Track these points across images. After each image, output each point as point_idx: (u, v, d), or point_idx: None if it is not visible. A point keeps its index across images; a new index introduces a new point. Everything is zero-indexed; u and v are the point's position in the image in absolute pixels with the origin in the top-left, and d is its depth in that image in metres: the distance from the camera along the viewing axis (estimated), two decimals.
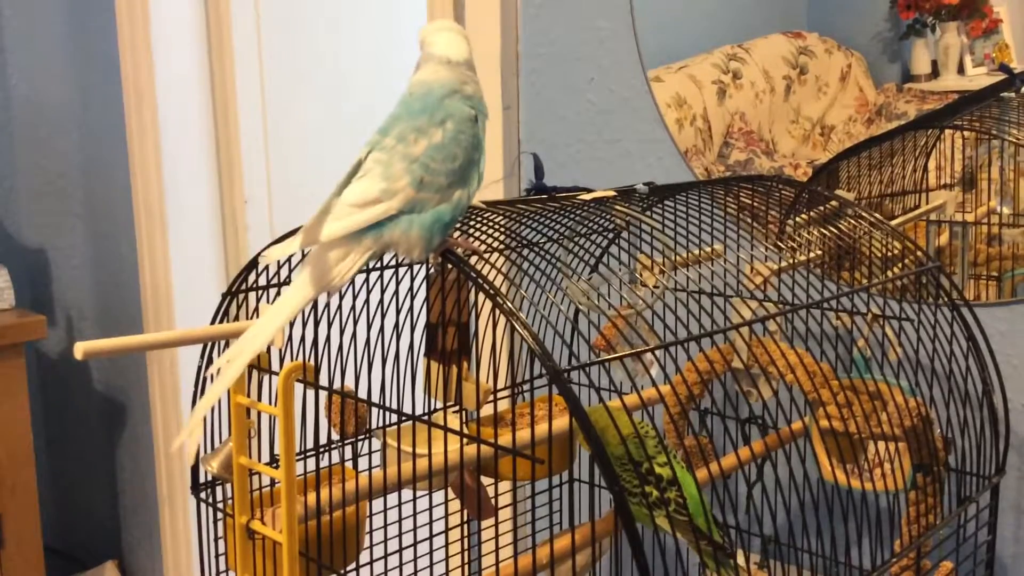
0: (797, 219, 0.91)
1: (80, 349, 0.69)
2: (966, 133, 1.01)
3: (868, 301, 0.92)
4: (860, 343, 0.90)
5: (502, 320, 0.97)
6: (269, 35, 2.03)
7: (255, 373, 0.81)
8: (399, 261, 0.81)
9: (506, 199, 0.93)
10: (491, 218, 0.81)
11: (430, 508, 0.91)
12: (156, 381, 2.06)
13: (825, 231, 0.90)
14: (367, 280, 0.80)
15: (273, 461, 0.85)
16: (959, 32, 1.01)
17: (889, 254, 0.91)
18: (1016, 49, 0.99)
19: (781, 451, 0.91)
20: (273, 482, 0.87)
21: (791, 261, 0.86)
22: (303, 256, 0.75)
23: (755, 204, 0.94)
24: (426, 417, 0.90)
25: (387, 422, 0.93)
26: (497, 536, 1.04)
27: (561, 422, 0.92)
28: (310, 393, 0.82)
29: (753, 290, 0.85)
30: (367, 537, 0.94)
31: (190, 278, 2.04)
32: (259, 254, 0.80)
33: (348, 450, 0.91)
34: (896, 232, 0.92)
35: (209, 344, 0.84)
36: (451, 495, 0.99)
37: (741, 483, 1.06)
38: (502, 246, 0.83)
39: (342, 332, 0.82)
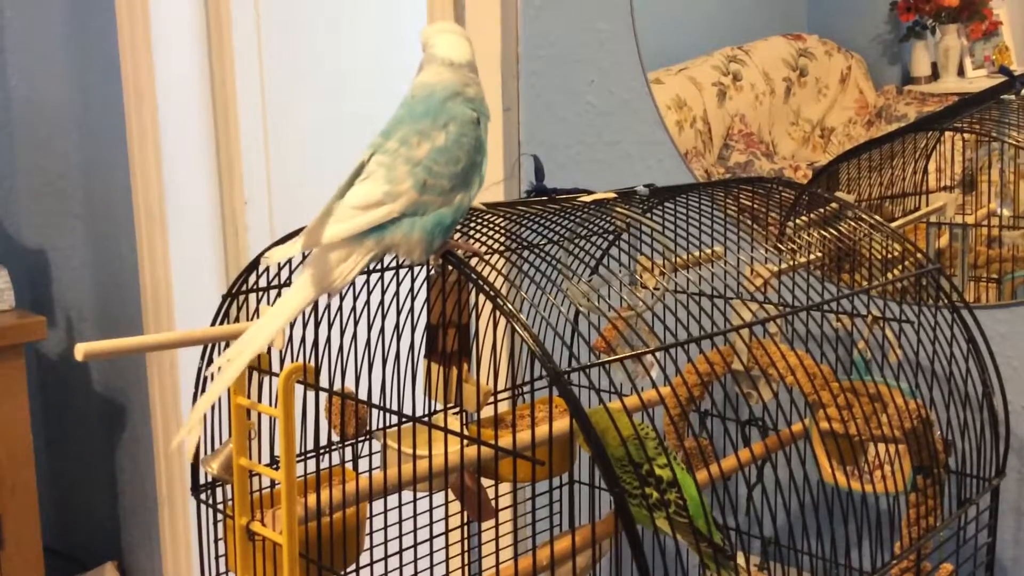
0: (797, 221, 0.91)
1: (80, 350, 0.69)
2: (966, 135, 1.01)
3: (868, 303, 0.92)
4: (860, 345, 0.90)
5: (502, 321, 0.97)
6: (269, 35, 2.03)
7: (255, 374, 0.81)
8: (399, 263, 0.81)
9: (506, 201, 0.93)
10: (491, 220, 0.81)
11: (430, 509, 0.91)
12: (156, 382, 2.06)
13: (825, 233, 0.90)
14: (367, 281, 0.80)
15: (273, 462, 0.85)
16: (959, 34, 1.01)
17: (889, 256, 0.91)
18: (1016, 51, 0.99)
19: (781, 453, 0.91)
20: (273, 483, 0.87)
21: (791, 263, 0.86)
22: (304, 258, 0.75)
23: (755, 206, 0.94)
24: (426, 418, 0.90)
25: (387, 423, 0.93)
26: (497, 538, 1.04)
27: (561, 424, 0.92)
28: (310, 394, 0.82)
29: (753, 292, 0.85)
30: (367, 538, 0.94)
31: (190, 279, 2.04)
32: (260, 255, 0.80)
33: (348, 451, 0.91)
34: (896, 234, 0.92)
35: (209, 345, 0.84)
36: (451, 496, 0.99)
37: (741, 485, 1.06)
38: (502, 248, 0.83)
39: (342, 333, 0.82)
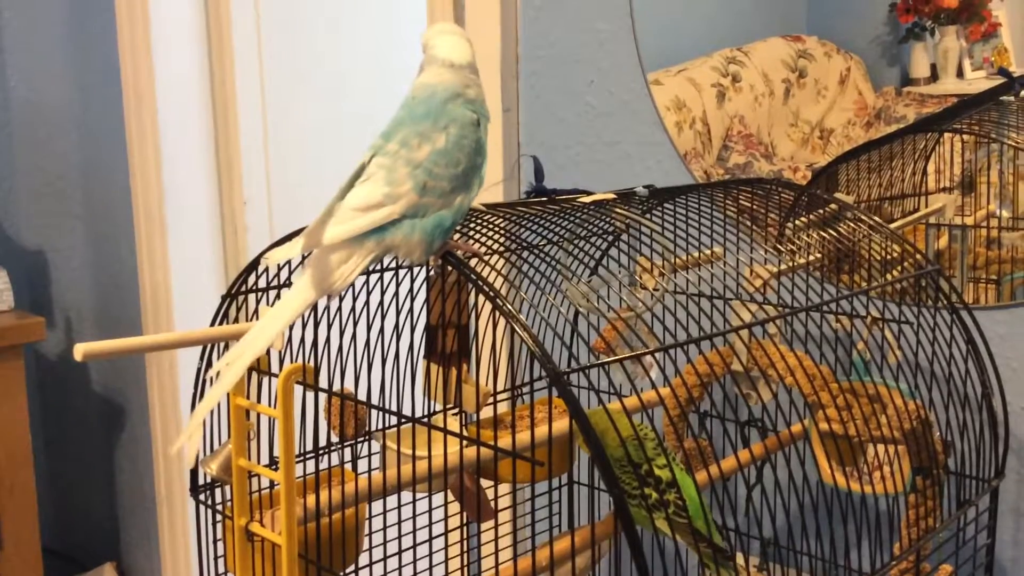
0: (796, 222, 0.91)
1: (80, 351, 0.69)
2: (965, 137, 1.01)
3: (867, 304, 0.92)
4: (860, 346, 0.90)
5: (502, 322, 0.97)
6: (269, 36, 2.03)
7: (255, 375, 0.81)
8: (399, 263, 0.81)
9: (506, 202, 0.93)
10: (491, 220, 0.81)
11: (429, 510, 0.91)
12: (155, 383, 2.06)
13: (824, 234, 0.90)
14: (367, 282, 0.80)
15: (272, 463, 0.85)
16: (958, 36, 1.01)
17: (888, 257, 0.91)
18: (1015, 53, 0.99)
19: (781, 454, 0.91)
20: (272, 484, 0.87)
21: (790, 264, 0.86)
22: (303, 259, 0.75)
23: (754, 207, 0.94)
24: (426, 419, 0.90)
25: (387, 424, 0.93)
26: (497, 538, 1.04)
27: (561, 424, 0.92)
28: (309, 395, 0.82)
29: (753, 293, 0.85)
30: (366, 539, 0.94)
31: (189, 279, 2.04)
32: (260, 256, 0.80)
33: (348, 452, 0.91)
34: (895, 235, 0.92)
35: (208, 346, 0.84)
36: (451, 497, 0.99)
37: (740, 485, 1.06)
38: (502, 248, 0.83)
39: (342, 334, 0.82)
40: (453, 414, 0.94)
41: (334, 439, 0.91)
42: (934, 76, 1.03)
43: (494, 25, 1.30)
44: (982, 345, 0.91)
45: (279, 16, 2.04)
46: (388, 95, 0.78)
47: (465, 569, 1.07)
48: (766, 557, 0.86)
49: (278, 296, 0.83)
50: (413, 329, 0.82)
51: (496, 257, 0.81)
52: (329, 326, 0.81)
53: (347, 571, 0.89)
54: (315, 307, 0.79)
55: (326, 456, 0.90)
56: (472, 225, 0.80)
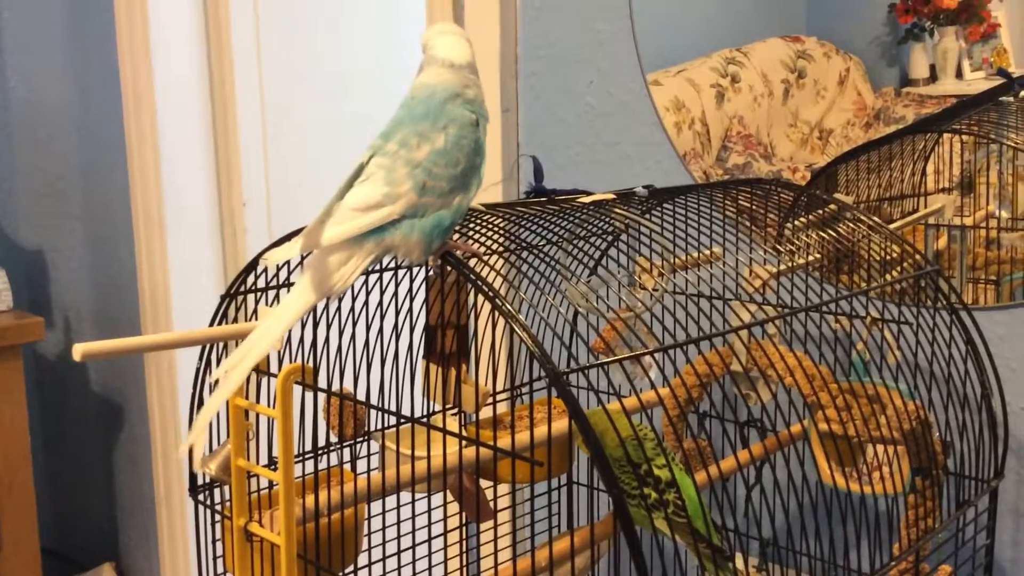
0: (796, 222, 0.91)
1: (79, 350, 0.69)
2: (964, 137, 1.01)
3: (867, 304, 0.92)
4: (859, 346, 0.90)
5: (501, 322, 0.97)
6: (268, 37, 2.03)
7: (254, 375, 0.81)
8: (398, 263, 0.81)
9: (505, 202, 0.93)
10: (490, 221, 0.81)
11: (429, 511, 0.91)
12: (154, 383, 2.06)
13: (824, 234, 0.90)
14: (366, 282, 0.80)
15: (271, 463, 0.85)
16: (957, 36, 1.01)
17: (888, 258, 0.91)
18: (1014, 53, 0.99)
19: (780, 454, 0.91)
20: (271, 484, 0.87)
21: (790, 264, 0.86)
22: (302, 259, 0.75)
23: (754, 207, 0.94)
24: (425, 419, 0.90)
25: (386, 424, 0.93)
26: (496, 539, 1.04)
27: (560, 424, 0.92)
28: (309, 395, 0.82)
29: (752, 293, 0.85)
30: (365, 540, 0.94)
31: (188, 280, 2.04)
32: (258, 256, 0.80)
33: (347, 452, 0.91)
34: (895, 236, 0.92)
35: (207, 346, 0.84)
36: (450, 498, 0.99)
37: (740, 486, 1.06)
38: (501, 248, 0.83)
39: (341, 334, 0.82)
40: (452, 414, 0.94)
41: (333, 439, 0.91)
42: (933, 77, 1.03)
43: (493, 25, 1.30)
44: (981, 346, 0.91)
45: (278, 17, 2.04)
46: (387, 95, 0.78)
47: (464, 569, 1.07)
48: (765, 557, 0.86)
49: (277, 296, 0.83)
50: (412, 329, 0.82)
51: (495, 257, 0.81)
52: (328, 326, 0.81)
53: (346, 571, 0.89)
54: (314, 307, 0.79)
55: (325, 456, 0.90)
56: (471, 225, 0.80)
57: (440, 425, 0.81)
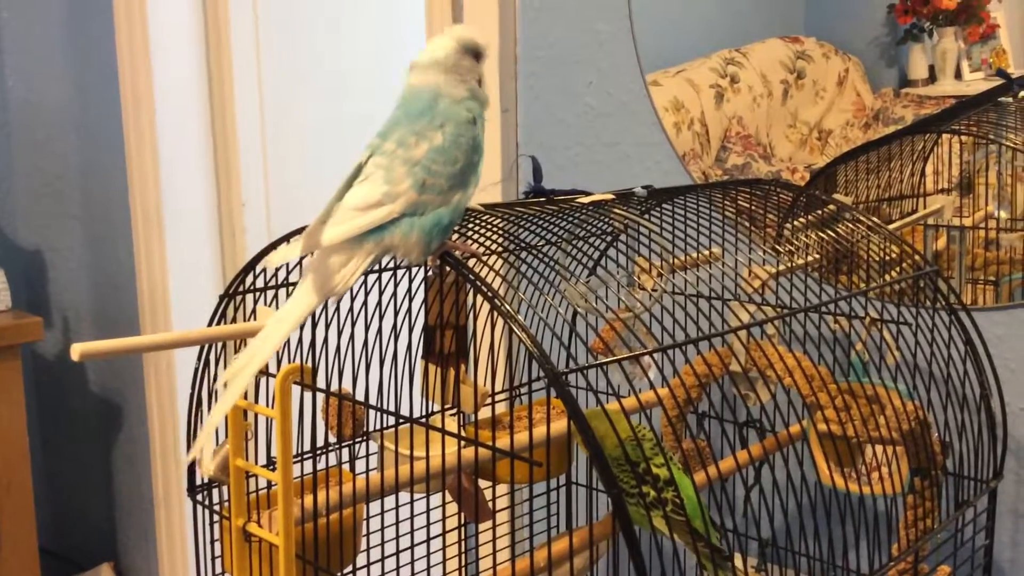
0: (795, 223, 0.91)
1: (77, 350, 0.69)
2: (963, 138, 1.01)
3: (866, 305, 0.92)
4: (858, 347, 0.90)
5: (500, 323, 0.97)
6: (267, 38, 2.03)
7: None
8: (397, 263, 0.81)
9: (504, 202, 0.93)
10: (489, 221, 0.81)
11: (427, 511, 0.91)
12: (152, 383, 2.06)
13: (823, 235, 0.90)
14: (365, 282, 0.80)
15: (270, 463, 0.85)
16: (956, 37, 1.01)
17: (887, 258, 0.91)
18: (1013, 54, 0.99)
19: (779, 454, 0.91)
20: (270, 484, 0.87)
21: (789, 265, 0.86)
22: (302, 259, 0.75)
23: (753, 208, 0.94)
24: (424, 420, 0.90)
25: (384, 424, 0.93)
26: (494, 539, 1.04)
27: (559, 425, 0.92)
28: (307, 395, 0.82)
29: (751, 293, 0.85)
30: (364, 540, 0.94)
31: (187, 280, 2.04)
32: (257, 257, 0.80)
33: (345, 452, 0.91)
34: (894, 236, 0.92)
35: (206, 346, 0.84)
36: (448, 498, 0.99)
37: (739, 486, 1.06)
38: (500, 249, 0.82)
39: (340, 334, 0.82)
40: (451, 414, 0.94)
41: (332, 439, 0.91)
42: (932, 77, 1.03)
43: (493, 25, 1.30)
44: (980, 346, 0.91)
45: (277, 17, 2.04)
46: (387, 96, 0.78)
47: (463, 570, 1.07)
48: (764, 558, 0.86)
49: (276, 296, 0.83)
50: (411, 329, 0.82)
51: (494, 257, 0.81)
52: (327, 326, 0.81)
53: (345, 572, 0.89)
54: (319, 306, 0.79)
55: (324, 456, 0.90)
56: (470, 225, 0.80)
57: (439, 425, 0.81)
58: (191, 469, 0.87)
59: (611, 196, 0.89)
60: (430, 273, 0.84)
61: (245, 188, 2.05)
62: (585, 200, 0.87)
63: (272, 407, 0.73)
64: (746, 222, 1.04)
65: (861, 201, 1.08)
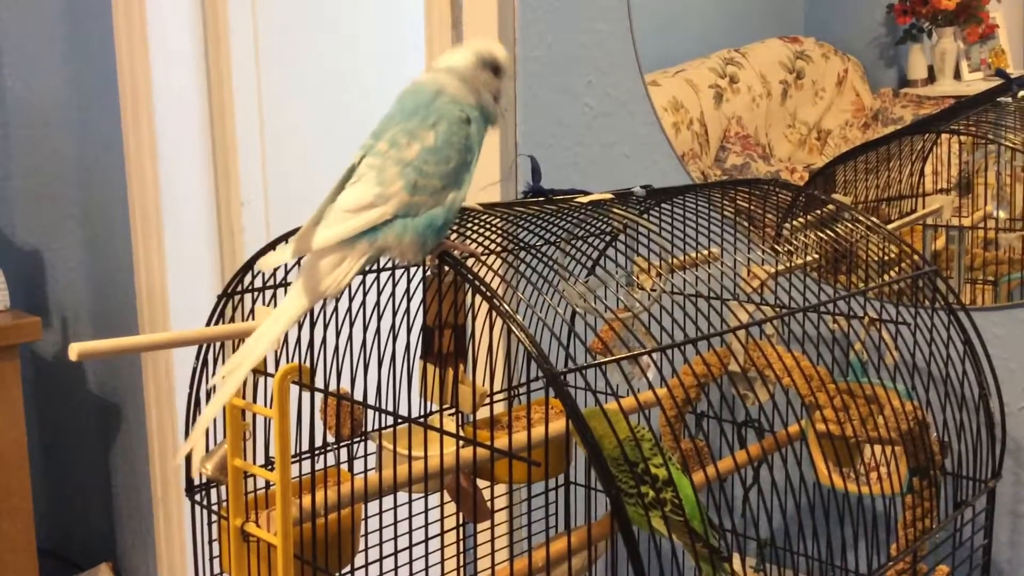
0: (794, 223, 0.91)
1: (75, 350, 0.69)
2: (962, 138, 1.01)
3: (865, 305, 0.92)
4: (857, 347, 0.90)
5: (499, 322, 0.97)
6: (266, 39, 2.03)
7: (250, 375, 0.80)
8: (395, 263, 0.81)
9: (503, 202, 0.93)
10: (488, 221, 0.81)
11: (426, 511, 0.91)
12: (151, 383, 2.06)
13: (822, 235, 0.90)
14: (363, 282, 0.80)
15: (268, 463, 0.84)
16: (956, 37, 1.01)
17: (886, 258, 0.91)
18: (1012, 54, 0.99)
19: (777, 454, 0.91)
20: (268, 484, 0.87)
21: (788, 265, 0.86)
22: (299, 260, 0.75)
23: (752, 208, 0.94)
24: (422, 420, 0.90)
25: (383, 424, 0.92)
26: (493, 539, 1.04)
27: (557, 425, 0.92)
28: (305, 395, 0.82)
29: (750, 293, 0.85)
30: (362, 540, 0.94)
31: (186, 280, 2.04)
32: (255, 257, 0.80)
33: (344, 452, 0.91)
34: (893, 236, 0.92)
35: (204, 346, 0.84)
36: (447, 498, 0.99)
37: (737, 486, 1.06)
38: (499, 248, 0.82)
39: (338, 334, 0.81)
40: (450, 414, 0.94)
41: (330, 439, 0.91)
42: (931, 77, 1.03)
43: (492, 26, 1.30)
44: (979, 346, 0.91)
45: (276, 18, 2.03)
46: (386, 97, 0.78)
47: (461, 570, 1.07)
48: (763, 558, 0.86)
49: (274, 296, 0.83)
50: (410, 329, 0.82)
51: (493, 257, 0.81)
52: (325, 326, 0.81)
53: (343, 572, 0.89)
54: (311, 310, 0.79)
55: (322, 456, 0.90)
56: (469, 225, 0.80)
57: (437, 425, 0.81)
58: (189, 469, 0.87)
59: (610, 196, 0.89)
60: (428, 273, 0.84)
61: (244, 188, 2.05)
62: (584, 200, 0.87)
63: (270, 407, 0.73)
64: (745, 222, 1.04)
65: (860, 201, 1.08)
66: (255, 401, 0.80)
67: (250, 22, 2.02)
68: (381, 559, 0.94)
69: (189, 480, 0.87)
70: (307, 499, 0.81)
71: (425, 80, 0.73)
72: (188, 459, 0.86)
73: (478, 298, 0.71)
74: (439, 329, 0.87)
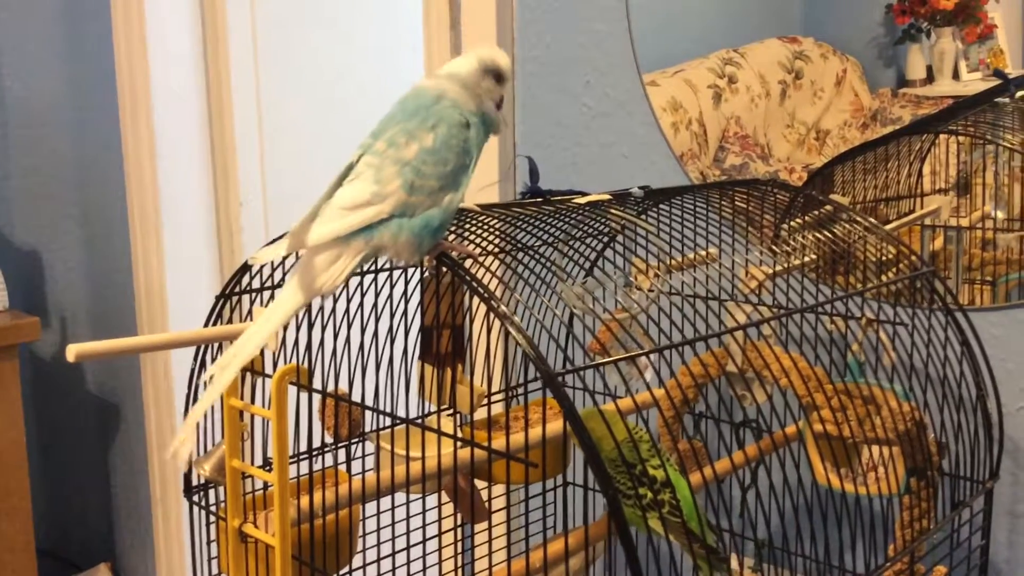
0: (792, 223, 0.91)
1: (72, 351, 0.69)
2: (961, 138, 1.01)
3: (862, 305, 0.92)
4: (854, 347, 0.90)
5: (496, 323, 0.97)
6: (265, 39, 2.03)
7: (248, 376, 0.80)
8: (393, 264, 0.81)
9: (501, 202, 0.93)
10: (486, 221, 0.81)
11: (423, 512, 0.91)
12: (149, 383, 2.06)
13: (820, 235, 0.90)
14: (361, 283, 0.80)
15: (266, 464, 0.84)
16: (954, 37, 1.01)
17: (883, 258, 0.91)
18: (1011, 54, 0.99)
19: (775, 455, 0.91)
20: (266, 485, 0.87)
21: (786, 265, 0.86)
22: (297, 258, 0.75)
23: (750, 208, 0.94)
24: (420, 420, 0.90)
25: (381, 425, 0.92)
26: (491, 540, 1.04)
27: (555, 426, 0.92)
28: (303, 396, 0.82)
29: (748, 294, 0.85)
30: (360, 541, 0.94)
31: (184, 280, 2.04)
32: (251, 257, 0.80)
33: (342, 453, 0.91)
34: (890, 237, 0.92)
35: (202, 346, 0.84)
36: (445, 499, 0.99)
37: (735, 487, 1.06)
38: (497, 249, 0.82)
39: (336, 335, 0.81)
40: (448, 415, 0.94)
41: (328, 440, 0.91)
42: (930, 78, 1.03)
43: (490, 26, 1.30)
44: (977, 347, 0.91)
45: (275, 19, 2.03)
46: (385, 97, 0.78)
47: (459, 571, 1.07)
48: (760, 559, 0.86)
49: (272, 296, 0.83)
50: (408, 330, 0.82)
51: (491, 258, 0.81)
52: (323, 327, 0.81)
53: (341, 572, 0.89)
54: (309, 308, 0.79)
55: (320, 457, 0.90)
56: (467, 226, 0.80)
57: (435, 426, 0.81)
58: (187, 470, 0.87)
59: (608, 196, 0.89)
60: (426, 274, 0.84)
61: (243, 188, 2.05)
62: (582, 200, 0.87)
63: (268, 408, 0.73)
64: (743, 222, 1.04)
65: (858, 201, 1.08)
66: (253, 402, 0.80)
67: (249, 22, 2.02)
68: (379, 560, 0.94)
69: (188, 481, 0.87)
70: (305, 500, 0.81)
71: (427, 85, 0.73)
72: (174, 452, 0.86)
73: (476, 299, 0.71)
74: (437, 330, 0.87)
